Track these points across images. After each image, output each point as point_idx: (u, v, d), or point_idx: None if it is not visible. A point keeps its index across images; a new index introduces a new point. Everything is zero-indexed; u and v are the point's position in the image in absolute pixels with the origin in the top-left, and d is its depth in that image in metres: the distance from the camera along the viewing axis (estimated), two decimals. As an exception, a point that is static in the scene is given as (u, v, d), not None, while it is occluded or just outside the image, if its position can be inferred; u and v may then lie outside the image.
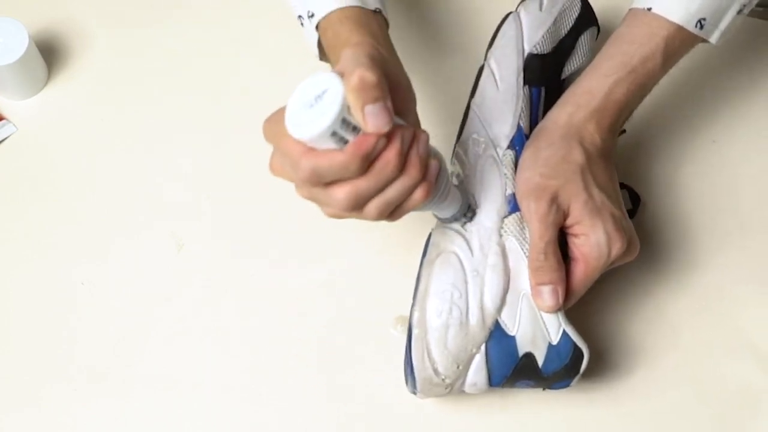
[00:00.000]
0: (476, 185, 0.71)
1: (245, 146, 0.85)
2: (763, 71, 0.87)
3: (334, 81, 0.56)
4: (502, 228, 0.70)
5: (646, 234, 0.80)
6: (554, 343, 0.68)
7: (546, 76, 0.76)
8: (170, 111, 0.86)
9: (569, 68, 0.77)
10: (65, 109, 0.86)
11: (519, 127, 0.73)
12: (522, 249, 0.69)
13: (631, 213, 0.77)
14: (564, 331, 0.68)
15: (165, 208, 0.82)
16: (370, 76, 0.56)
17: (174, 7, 0.90)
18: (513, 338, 0.68)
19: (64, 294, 0.79)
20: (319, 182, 0.59)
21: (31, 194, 0.83)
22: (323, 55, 0.73)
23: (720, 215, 0.81)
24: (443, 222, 0.71)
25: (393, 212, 0.62)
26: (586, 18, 0.78)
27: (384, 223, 0.74)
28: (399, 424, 0.75)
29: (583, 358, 0.69)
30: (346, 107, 0.56)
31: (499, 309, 0.68)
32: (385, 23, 0.71)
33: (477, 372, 0.68)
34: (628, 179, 0.81)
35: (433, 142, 0.63)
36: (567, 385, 0.70)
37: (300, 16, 0.73)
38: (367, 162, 0.58)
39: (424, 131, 0.61)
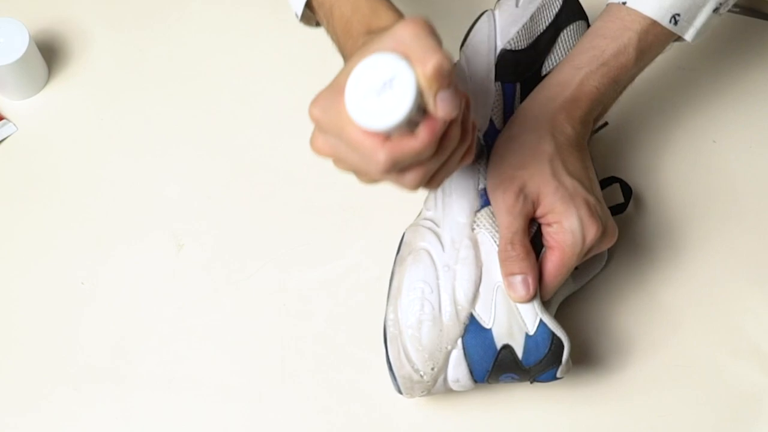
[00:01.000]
0: (448, 181, 0.71)
1: (245, 146, 0.85)
2: (763, 71, 0.87)
3: (401, 66, 0.53)
4: (474, 222, 0.70)
5: (646, 233, 0.80)
6: (531, 333, 0.68)
7: (521, 72, 0.75)
8: (170, 111, 0.86)
9: (551, 63, 0.77)
10: (65, 109, 0.86)
11: (491, 123, 0.72)
12: (494, 241, 0.69)
13: (623, 206, 0.77)
14: (541, 320, 0.68)
15: (165, 208, 0.82)
16: (448, 64, 0.53)
17: (174, 7, 0.90)
18: (489, 331, 0.68)
19: (64, 294, 0.79)
20: (395, 170, 0.57)
21: (31, 194, 0.83)
22: (306, 18, 0.71)
23: (720, 215, 0.81)
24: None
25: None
26: (569, 13, 0.78)
27: (383, 223, 0.74)
28: (399, 424, 0.75)
29: (563, 347, 0.68)
30: (419, 93, 0.54)
31: (473, 302, 0.68)
32: None
33: (457, 367, 0.68)
34: (628, 177, 0.81)
35: None
36: (553, 377, 0.69)
37: None
38: (437, 143, 0.57)
39: (465, 93, 0.60)
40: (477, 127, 0.63)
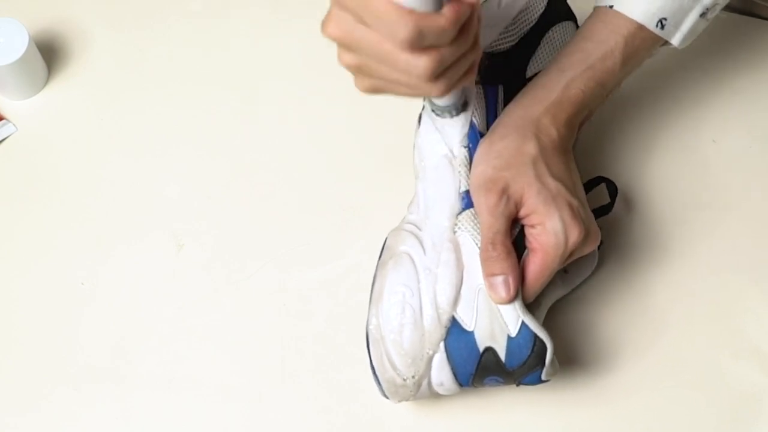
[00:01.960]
0: (430, 185, 0.71)
1: (245, 146, 0.85)
2: (763, 71, 0.87)
3: None
4: (456, 224, 0.70)
5: (639, 234, 0.80)
6: (513, 335, 0.67)
7: (503, 74, 0.75)
8: (170, 111, 0.86)
9: (536, 65, 0.76)
10: (65, 109, 0.86)
11: (472, 125, 0.72)
12: (476, 243, 0.69)
13: (609, 206, 0.77)
14: (523, 322, 0.67)
15: (165, 208, 0.82)
16: None
17: (174, 7, 0.90)
18: (471, 334, 0.68)
19: (64, 294, 0.79)
20: (418, 45, 0.56)
21: (31, 194, 0.83)
22: None
23: (719, 214, 0.81)
24: (439, 111, 0.70)
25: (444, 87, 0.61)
26: (555, 13, 0.77)
27: (383, 222, 0.74)
28: (399, 424, 0.75)
29: (546, 349, 0.68)
30: None
31: (454, 305, 0.68)
32: None
33: (440, 371, 0.68)
34: (626, 177, 0.81)
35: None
36: (538, 380, 0.69)
37: None
38: (459, 30, 0.57)
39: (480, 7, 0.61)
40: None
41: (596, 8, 0.73)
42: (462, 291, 0.68)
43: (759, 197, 0.82)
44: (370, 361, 0.69)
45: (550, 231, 0.67)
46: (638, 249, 0.80)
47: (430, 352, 0.68)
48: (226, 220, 0.82)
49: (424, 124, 0.73)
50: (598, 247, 0.72)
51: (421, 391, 0.69)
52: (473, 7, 0.58)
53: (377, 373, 0.69)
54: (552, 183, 0.68)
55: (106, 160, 0.84)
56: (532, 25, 0.76)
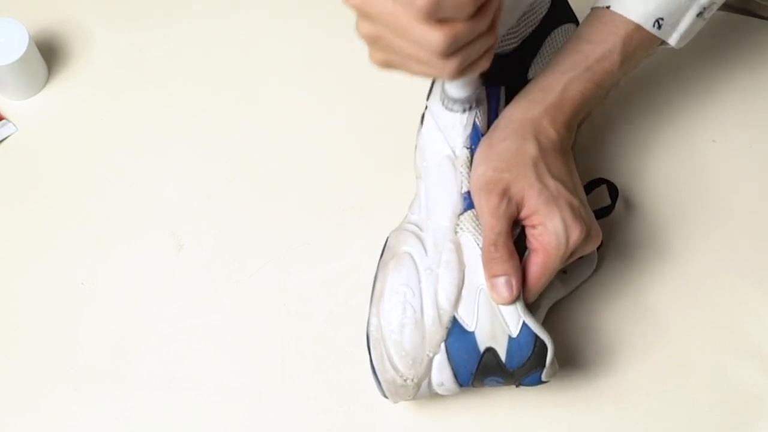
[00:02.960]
0: (432, 185, 0.71)
1: (245, 146, 0.85)
2: (763, 71, 0.87)
3: None
4: (457, 225, 0.70)
5: (640, 234, 0.80)
6: (514, 336, 0.68)
7: (506, 76, 0.75)
8: (170, 111, 0.86)
9: (537, 67, 0.76)
10: (65, 109, 0.86)
11: (475, 126, 0.72)
12: (477, 244, 0.69)
13: (610, 207, 0.77)
14: (524, 323, 0.68)
15: (165, 208, 0.82)
16: None
17: (174, 7, 0.90)
18: (472, 334, 0.68)
19: (64, 294, 0.79)
20: (435, 15, 0.57)
21: (31, 194, 0.83)
22: None
23: (719, 214, 0.81)
24: (451, 104, 0.70)
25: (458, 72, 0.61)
26: (558, 15, 0.77)
27: (383, 222, 0.74)
28: (399, 424, 0.75)
29: (547, 349, 0.68)
30: None
31: (455, 305, 0.68)
32: None
33: (441, 371, 0.68)
34: (626, 177, 0.81)
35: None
36: (538, 380, 0.69)
37: None
38: (477, 7, 0.58)
39: None
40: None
41: (593, 9, 0.73)
42: (463, 291, 0.68)
43: (759, 197, 0.82)
44: (371, 361, 0.69)
45: (552, 231, 0.67)
46: (637, 249, 0.80)
47: (431, 354, 0.68)
48: (226, 220, 0.82)
49: (426, 124, 0.73)
50: (598, 248, 0.72)
51: (421, 391, 0.69)
52: None
53: (378, 373, 0.69)
54: (553, 183, 0.68)
55: (106, 160, 0.84)
56: (534, 27, 0.76)
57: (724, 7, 0.75)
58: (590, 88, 0.71)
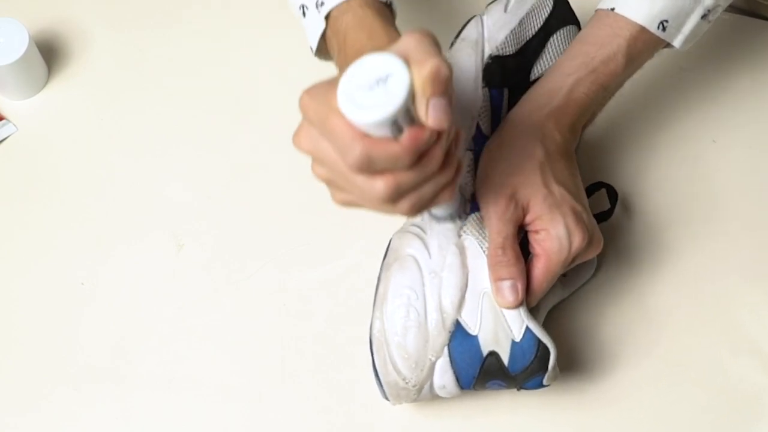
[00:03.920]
0: None
1: (245, 146, 0.85)
2: (763, 71, 0.87)
3: (398, 65, 0.52)
4: (461, 228, 0.70)
5: (638, 237, 0.80)
6: (517, 340, 0.68)
7: (509, 78, 0.75)
8: (170, 111, 0.86)
9: (539, 69, 0.77)
10: (65, 109, 0.86)
11: (478, 128, 0.72)
12: (481, 247, 0.69)
13: (610, 212, 0.77)
14: (527, 327, 0.68)
15: (165, 208, 0.82)
16: (446, 70, 0.52)
17: (174, 7, 0.90)
18: (475, 338, 0.68)
19: (64, 294, 0.79)
20: (368, 169, 0.55)
21: (31, 194, 0.83)
22: (322, 51, 0.71)
23: (720, 214, 0.81)
24: (439, 220, 0.70)
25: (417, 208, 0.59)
26: (560, 17, 0.78)
27: (383, 222, 0.74)
28: (399, 424, 0.75)
29: (549, 354, 0.68)
30: (411, 95, 0.53)
31: (459, 308, 0.68)
32: (393, 16, 0.69)
33: (443, 374, 0.68)
34: (625, 178, 0.81)
35: None
36: (540, 384, 0.69)
37: (303, 6, 0.70)
38: (417, 156, 0.55)
39: (460, 130, 0.59)
40: (464, 145, 0.62)
41: (597, 11, 0.73)
42: (467, 295, 0.68)
43: (759, 197, 0.82)
44: (373, 363, 0.69)
45: (554, 237, 0.67)
46: (636, 251, 0.80)
47: (434, 358, 0.68)
48: (226, 220, 0.82)
49: None
50: (597, 251, 0.73)
51: (422, 394, 0.69)
52: (440, 134, 0.55)
53: (380, 375, 0.69)
54: (557, 189, 0.68)
55: (106, 160, 0.84)
56: (537, 28, 0.77)
57: (728, 8, 0.75)
58: (595, 90, 0.71)
